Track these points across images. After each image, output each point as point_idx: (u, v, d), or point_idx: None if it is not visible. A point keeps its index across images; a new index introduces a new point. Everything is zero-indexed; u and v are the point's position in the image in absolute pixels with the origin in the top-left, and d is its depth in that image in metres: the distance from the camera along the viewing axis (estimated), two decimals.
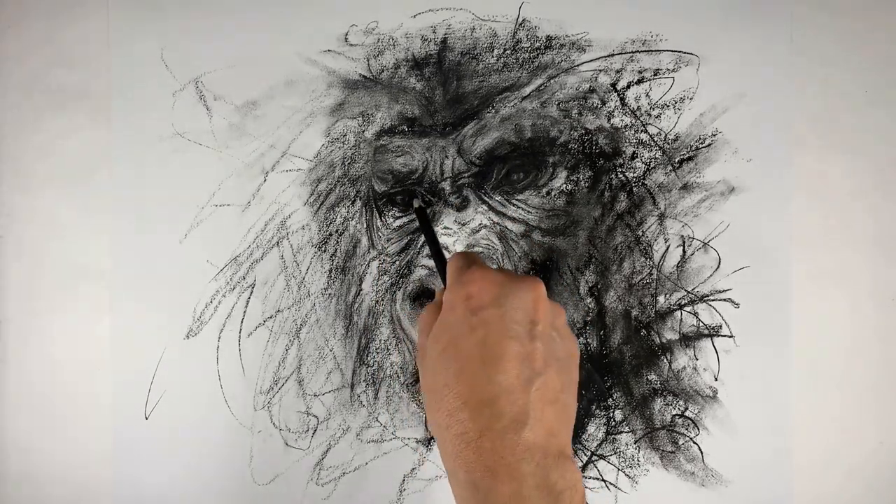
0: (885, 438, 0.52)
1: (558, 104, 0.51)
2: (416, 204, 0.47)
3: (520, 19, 0.51)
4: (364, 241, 0.52)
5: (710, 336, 0.52)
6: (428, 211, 0.49)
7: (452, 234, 0.51)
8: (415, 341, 0.52)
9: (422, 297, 0.52)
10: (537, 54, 0.51)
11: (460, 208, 0.51)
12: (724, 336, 0.52)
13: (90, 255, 0.53)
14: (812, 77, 0.52)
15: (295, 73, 0.52)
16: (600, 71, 0.51)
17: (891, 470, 0.52)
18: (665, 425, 0.52)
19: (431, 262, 0.51)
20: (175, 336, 0.52)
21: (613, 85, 0.51)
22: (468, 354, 0.34)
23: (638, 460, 0.52)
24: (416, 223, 0.51)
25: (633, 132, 0.52)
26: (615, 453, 0.52)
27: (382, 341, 0.52)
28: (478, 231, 0.51)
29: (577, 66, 0.51)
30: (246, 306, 0.52)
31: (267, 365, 0.52)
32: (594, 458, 0.52)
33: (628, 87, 0.51)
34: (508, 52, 0.51)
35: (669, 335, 0.52)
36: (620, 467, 0.52)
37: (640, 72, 0.51)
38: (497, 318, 0.34)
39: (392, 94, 0.51)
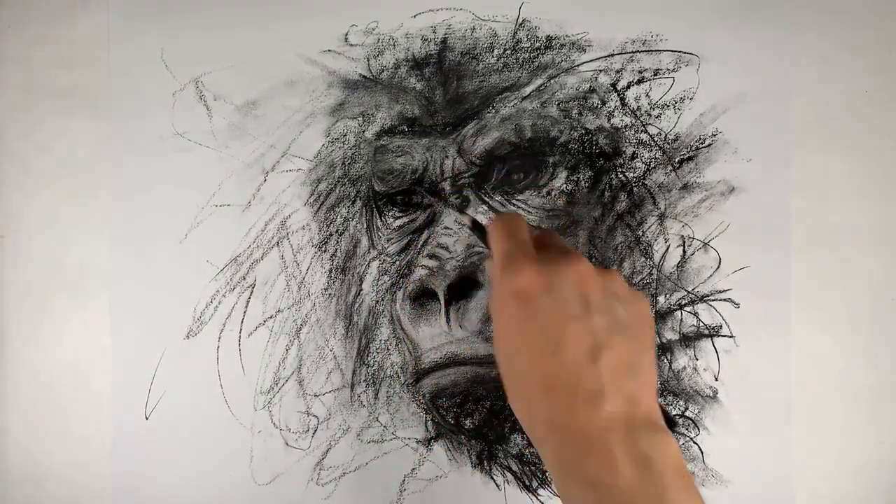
0: (885, 438, 0.52)
1: (558, 104, 0.51)
2: (466, 221, 0.46)
3: (520, 19, 0.51)
4: (364, 241, 0.52)
5: (710, 336, 0.52)
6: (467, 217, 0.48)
7: (452, 234, 0.51)
8: (415, 340, 0.52)
9: (422, 297, 0.52)
10: (537, 54, 0.51)
11: (460, 208, 0.51)
12: (724, 336, 0.52)
13: (90, 254, 0.53)
14: (812, 77, 0.52)
15: (295, 73, 0.52)
16: (600, 71, 0.51)
17: (891, 470, 0.52)
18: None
19: (431, 262, 0.51)
20: (175, 336, 0.52)
21: (613, 85, 0.51)
22: (531, 345, 0.35)
23: None
24: (416, 223, 0.51)
25: (633, 132, 0.52)
26: None
27: (383, 341, 0.52)
28: None
29: (578, 66, 0.51)
30: (246, 306, 0.52)
31: (267, 365, 0.52)
32: None
33: (628, 87, 0.51)
34: (508, 52, 0.51)
35: (670, 335, 0.52)
36: None
37: (640, 72, 0.51)
38: (550, 305, 0.35)
39: (392, 94, 0.51)
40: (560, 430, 0.33)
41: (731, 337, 0.52)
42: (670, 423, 0.36)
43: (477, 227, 0.44)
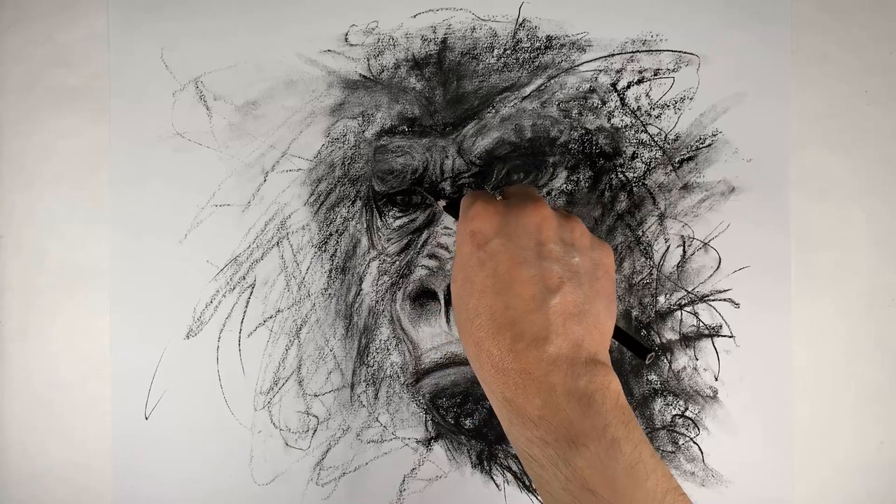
0: (885, 438, 0.52)
1: (558, 104, 0.51)
2: (442, 204, 0.47)
3: (520, 19, 0.51)
4: (364, 241, 0.52)
5: (710, 336, 0.52)
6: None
7: (452, 234, 0.51)
8: (415, 340, 0.52)
9: (422, 297, 0.52)
10: (537, 54, 0.51)
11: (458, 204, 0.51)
12: (724, 336, 0.52)
13: (90, 254, 0.53)
14: (812, 77, 0.52)
15: (295, 73, 0.52)
16: (600, 71, 0.51)
17: (891, 470, 0.52)
18: (665, 425, 0.52)
19: (431, 262, 0.51)
20: (175, 336, 0.52)
21: (613, 85, 0.51)
22: (482, 287, 0.36)
23: None
24: (416, 223, 0.51)
25: (633, 132, 0.52)
26: None
27: (382, 341, 0.52)
28: None
29: (578, 66, 0.51)
30: (246, 306, 0.52)
31: (267, 365, 0.52)
32: None
33: (628, 87, 0.51)
34: (508, 52, 0.51)
35: (669, 335, 0.52)
36: None
37: (640, 72, 0.51)
38: (503, 248, 0.36)
39: (392, 94, 0.51)
40: (504, 370, 0.34)
41: (731, 337, 0.52)
42: (645, 351, 0.37)
43: (451, 207, 0.45)
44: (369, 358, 0.52)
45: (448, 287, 0.50)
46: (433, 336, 0.52)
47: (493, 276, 0.36)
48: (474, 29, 0.51)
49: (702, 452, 0.52)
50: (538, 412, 0.33)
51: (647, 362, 0.43)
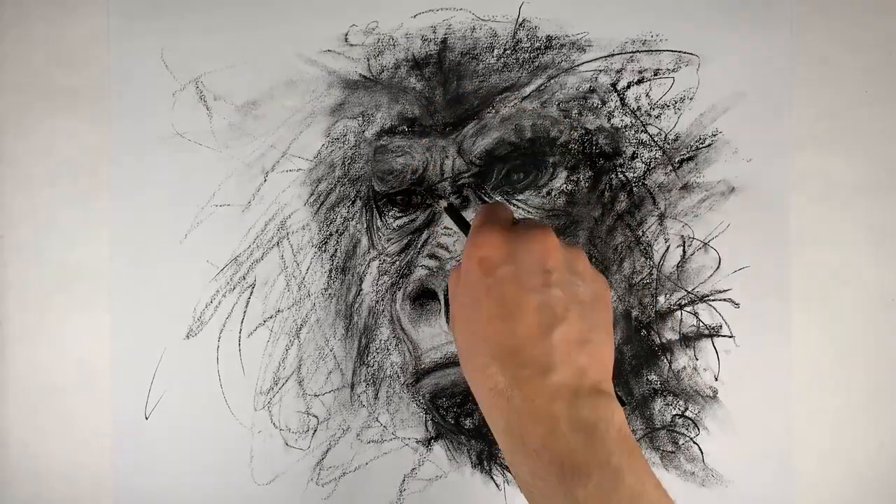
0: (885, 439, 0.52)
1: (558, 104, 0.51)
2: (443, 204, 0.46)
3: (520, 19, 0.51)
4: (364, 241, 0.52)
5: (710, 336, 0.52)
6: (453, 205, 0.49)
7: (452, 234, 0.51)
8: (415, 340, 0.52)
9: (422, 297, 0.52)
10: (537, 54, 0.51)
11: (460, 208, 0.51)
12: (724, 336, 0.52)
13: (90, 255, 0.53)
14: (812, 77, 0.52)
15: (295, 73, 0.52)
16: (600, 71, 0.51)
17: (891, 470, 0.52)
18: (665, 425, 0.52)
19: (432, 262, 0.51)
20: (175, 336, 0.52)
21: (613, 85, 0.51)
22: (488, 314, 0.35)
23: None
24: (416, 223, 0.51)
25: (633, 132, 0.52)
26: None
27: (382, 341, 0.52)
28: None
29: (578, 66, 0.51)
30: (246, 306, 0.52)
31: (267, 365, 0.52)
32: None
33: (628, 87, 0.51)
34: (508, 52, 0.51)
35: (669, 335, 0.52)
36: None
37: (640, 72, 0.51)
38: (511, 275, 0.35)
39: (392, 94, 0.51)
40: (508, 398, 0.34)
41: (731, 337, 0.52)
42: (620, 402, 0.37)
43: (451, 211, 0.45)
44: (369, 358, 0.52)
45: (447, 289, 0.50)
46: (433, 336, 0.52)
47: (500, 303, 0.35)
48: (474, 29, 0.51)
49: (702, 452, 0.52)
50: (540, 441, 0.33)
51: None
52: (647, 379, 0.52)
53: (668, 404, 0.52)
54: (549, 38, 0.51)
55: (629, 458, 0.32)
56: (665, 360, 0.52)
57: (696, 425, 0.52)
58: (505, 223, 0.38)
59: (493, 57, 0.51)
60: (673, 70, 0.51)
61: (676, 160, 0.52)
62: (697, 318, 0.52)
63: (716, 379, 0.52)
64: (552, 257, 0.36)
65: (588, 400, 0.33)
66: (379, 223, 0.52)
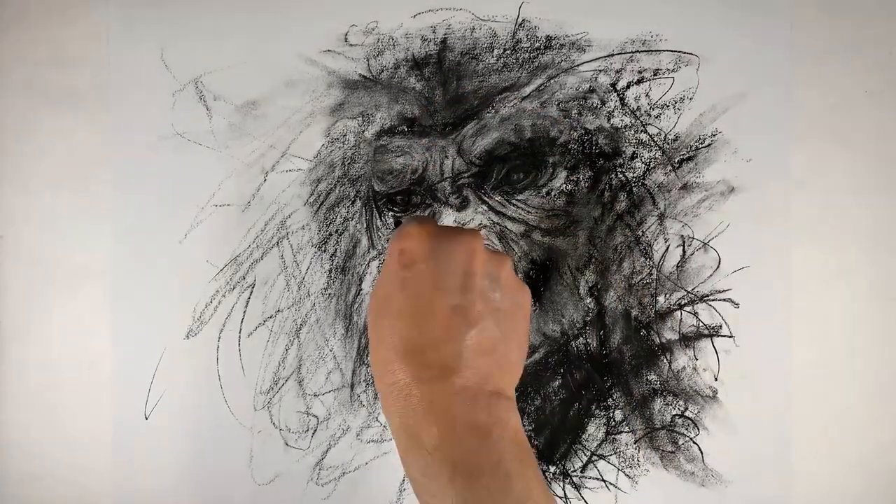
0: (885, 438, 0.52)
1: (558, 104, 0.51)
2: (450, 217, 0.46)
3: (520, 19, 0.51)
4: (364, 240, 0.52)
5: (710, 336, 0.52)
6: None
7: None
8: None
9: None
10: (537, 54, 0.51)
11: (460, 208, 0.51)
12: (724, 336, 0.52)
13: (90, 255, 0.53)
14: (812, 77, 0.52)
15: (295, 73, 0.52)
16: (600, 71, 0.51)
17: (891, 470, 0.52)
18: (665, 425, 0.52)
19: None
20: (175, 336, 0.52)
21: (613, 85, 0.51)
22: (399, 309, 0.35)
23: (638, 460, 0.52)
24: None
25: (633, 132, 0.52)
26: (615, 453, 0.52)
27: None
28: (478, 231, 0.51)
29: (577, 66, 0.51)
30: (246, 306, 0.52)
31: (267, 365, 0.52)
32: (594, 458, 0.52)
33: (628, 87, 0.51)
34: (508, 52, 0.51)
35: (669, 335, 0.52)
36: (620, 467, 0.52)
37: (640, 72, 0.51)
38: (428, 273, 0.35)
39: (392, 94, 0.51)
40: (407, 396, 0.34)
41: (731, 337, 0.52)
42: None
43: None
44: (369, 358, 0.52)
45: None
46: None
47: (413, 299, 0.35)
48: (474, 29, 0.51)
49: (702, 452, 0.52)
50: (435, 442, 0.33)
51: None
52: (647, 379, 0.52)
53: (667, 404, 0.52)
54: (548, 38, 0.51)
55: (520, 464, 0.33)
56: (665, 360, 0.52)
57: (695, 425, 0.52)
58: (435, 225, 0.38)
59: (492, 57, 0.51)
60: (673, 70, 0.51)
61: (676, 160, 0.52)
62: (697, 318, 0.52)
63: (716, 379, 0.52)
64: (475, 261, 0.36)
65: (486, 403, 0.34)
66: (379, 223, 0.52)
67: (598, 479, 0.52)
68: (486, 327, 0.35)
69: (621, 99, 0.51)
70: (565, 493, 0.52)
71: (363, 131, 0.52)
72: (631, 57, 0.51)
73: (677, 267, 0.52)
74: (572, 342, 0.52)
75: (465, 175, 0.51)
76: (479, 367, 0.34)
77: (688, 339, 0.52)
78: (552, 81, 0.51)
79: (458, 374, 0.34)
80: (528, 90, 0.51)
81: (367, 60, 0.52)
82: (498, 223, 0.51)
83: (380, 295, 0.37)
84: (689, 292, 0.52)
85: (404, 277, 0.35)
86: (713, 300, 0.52)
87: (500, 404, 0.34)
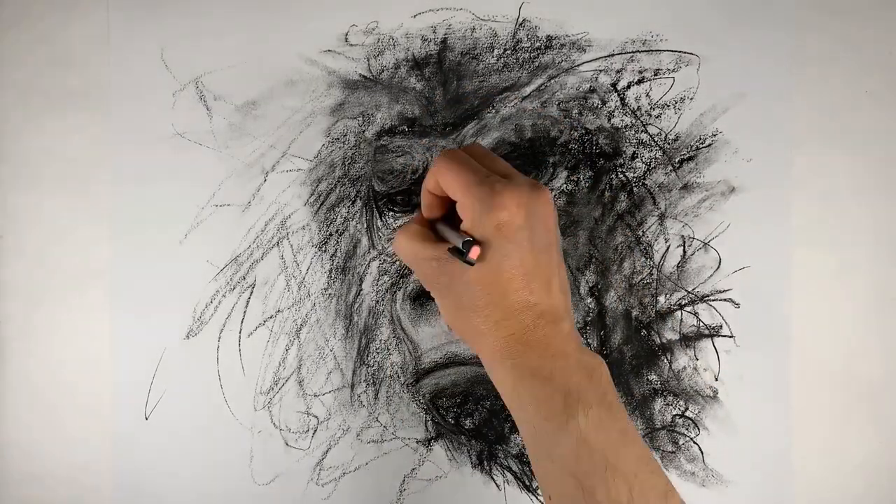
0: (886, 438, 0.52)
1: (558, 104, 0.51)
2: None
3: (520, 19, 0.51)
4: (364, 241, 0.52)
5: (711, 336, 0.52)
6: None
7: None
8: (415, 340, 0.52)
9: (422, 297, 0.52)
10: (537, 54, 0.51)
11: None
12: (725, 336, 0.52)
13: (90, 255, 0.53)
14: (812, 77, 0.52)
15: (295, 73, 0.52)
16: (600, 71, 0.51)
17: (891, 470, 0.52)
18: (665, 425, 0.52)
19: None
20: (175, 336, 0.52)
21: (614, 85, 0.51)
22: (510, 277, 0.38)
23: None
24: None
25: (633, 132, 0.52)
26: None
27: (383, 341, 0.52)
28: None
29: (578, 66, 0.51)
30: (246, 306, 0.52)
31: (267, 365, 0.52)
32: None
33: (628, 87, 0.51)
34: (508, 52, 0.51)
35: (669, 335, 0.52)
36: None
37: (640, 72, 0.51)
38: (527, 238, 0.38)
39: (392, 94, 0.51)
40: (526, 341, 0.39)
41: (731, 337, 0.52)
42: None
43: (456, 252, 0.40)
44: (369, 358, 0.52)
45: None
46: (433, 336, 0.52)
47: (520, 266, 0.38)
48: (474, 29, 0.51)
49: (702, 452, 0.52)
50: (550, 371, 0.38)
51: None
52: (648, 379, 0.52)
53: (668, 404, 0.52)
54: (549, 38, 0.51)
55: (617, 399, 0.39)
56: (665, 360, 0.52)
57: (696, 425, 0.52)
58: (490, 173, 0.39)
59: (493, 57, 0.51)
60: (673, 70, 0.51)
61: (676, 160, 0.52)
62: (697, 318, 0.52)
63: (716, 379, 0.52)
64: (552, 215, 0.40)
65: (585, 350, 0.40)
66: (379, 223, 0.52)
67: None
68: (564, 276, 0.41)
69: (622, 99, 0.51)
70: None
71: (364, 131, 0.52)
72: (631, 57, 0.51)
73: (678, 267, 0.52)
74: None
75: None
76: (570, 314, 0.41)
77: (688, 339, 0.52)
78: (552, 81, 0.51)
79: (564, 320, 0.39)
80: (528, 90, 0.51)
81: (368, 60, 0.52)
82: None
83: (487, 270, 0.38)
84: (689, 292, 0.52)
85: (507, 250, 0.38)
86: (713, 300, 0.52)
87: (594, 353, 0.40)
